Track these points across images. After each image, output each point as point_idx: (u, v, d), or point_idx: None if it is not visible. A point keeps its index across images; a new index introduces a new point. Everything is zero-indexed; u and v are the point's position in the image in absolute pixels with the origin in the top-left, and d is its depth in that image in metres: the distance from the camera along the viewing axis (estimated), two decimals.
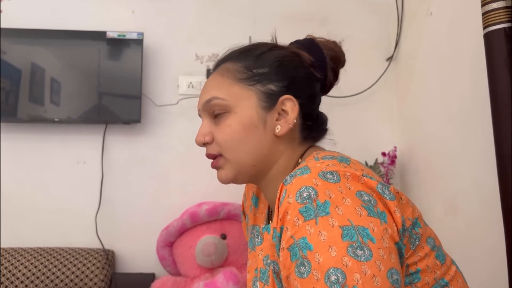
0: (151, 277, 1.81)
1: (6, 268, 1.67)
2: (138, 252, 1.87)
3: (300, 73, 0.77)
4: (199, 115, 0.80)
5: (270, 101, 0.74)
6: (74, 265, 1.71)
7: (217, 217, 1.76)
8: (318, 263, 0.55)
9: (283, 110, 0.75)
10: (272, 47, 0.79)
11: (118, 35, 1.85)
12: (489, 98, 1.04)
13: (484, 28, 1.04)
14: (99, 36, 1.84)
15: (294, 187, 0.61)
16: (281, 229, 0.62)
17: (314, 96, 0.79)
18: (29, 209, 1.85)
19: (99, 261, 1.74)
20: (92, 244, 1.83)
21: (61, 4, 1.94)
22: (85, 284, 1.69)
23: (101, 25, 1.90)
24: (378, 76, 2.00)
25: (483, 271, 1.26)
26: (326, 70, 0.79)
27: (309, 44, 0.80)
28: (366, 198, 0.61)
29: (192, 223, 1.74)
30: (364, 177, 0.63)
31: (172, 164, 1.93)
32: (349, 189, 0.61)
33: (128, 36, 1.85)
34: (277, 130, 0.74)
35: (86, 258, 1.74)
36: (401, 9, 1.95)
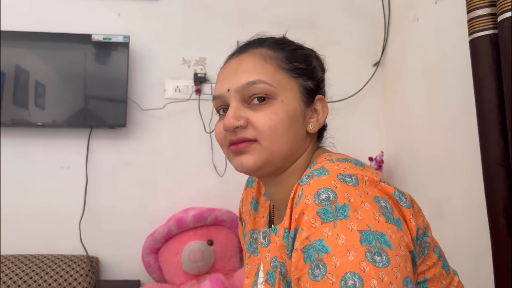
0: (136, 284, 1.78)
1: None
2: (123, 258, 1.84)
3: (323, 76, 0.79)
4: (221, 99, 0.73)
5: (309, 97, 0.74)
6: (57, 273, 1.67)
7: (204, 223, 1.74)
8: (335, 266, 0.54)
9: (315, 109, 0.75)
10: (300, 46, 0.80)
11: (104, 38, 1.82)
12: (475, 104, 1.05)
13: (470, 34, 1.05)
14: (85, 39, 1.81)
15: (312, 188, 0.60)
16: (296, 230, 0.61)
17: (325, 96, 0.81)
18: (12, 215, 1.80)
19: (83, 268, 1.70)
20: (76, 251, 1.79)
21: (46, 6, 1.91)
22: None
23: (87, 28, 1.87)
24: (365, 81, 2.01)
25: (469, 276, 1.26)
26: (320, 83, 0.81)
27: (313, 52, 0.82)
28: (383, 204, 0.60)
29: (179, 229, 1.72)
30: (382, 183, 0.62)
31: (158, 169, 1.91)
32: (367, 194, 0.60)
33: (114, 39, 1.82)
34: (311, 127, 0.74)
35: (69, 265, 1.70)
36: (387, 15, 1.97)
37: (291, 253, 0.62)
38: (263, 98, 0.69)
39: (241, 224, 0.94)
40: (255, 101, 0.70)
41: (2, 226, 1.79)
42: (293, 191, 0.64)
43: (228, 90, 0.71)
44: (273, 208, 0.84)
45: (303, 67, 0.75)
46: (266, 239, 0.74)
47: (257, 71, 0.71)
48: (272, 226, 0.82)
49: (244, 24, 1.99)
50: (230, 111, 0.70)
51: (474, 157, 1.12)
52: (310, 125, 0.74)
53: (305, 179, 0.63)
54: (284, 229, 0.65)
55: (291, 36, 0.81)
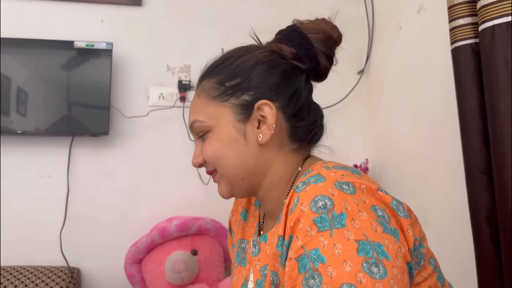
0: None
1: None
2: (105, 269, 1.80)
3: (276, 74, 0.72)
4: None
5: (246, 112, 0.72)
6: (36, 285, 1.62)
7: (188, 232, 1.72)
8: (331, 277, 0.53)
9: (262, 116, 0.71)
10: (245, 52, 0.75)
11: (86, 45, 1.79)
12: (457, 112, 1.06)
13: (452, 43, 1.06)
14: (67, 45, 1.79)
15: (309, 195, 0.59)
16: (290, 238, 0.59)
17: (298, 92, 0.74)
18: None
19: (63, 280, 1.66)
20: (56, 262, 1.75)
21: (29, 12, 1.88)
22: None
23: (69, 34, 1.84)
24: (349, 89, 2.02)
25: (453, 283, 1.26)
26: (316, 56, 0.74)
27: (291, 32, 0.75)
28: (380, 213, 0.59)
29: (162, 239, 1.69)
30: (379, 191, 0.61)
31: (141, 177, 1.88)
32: (365, 202, 0.59)
33: (96, 46, 1.80)
34: (260, 139, 0.71)
35: (49, 277, 1.65)
36: (371, 23, 1.99)
37: (285, 262, 0.60)
38: (204, 134, 0.75)
39: (230, 235, 0.93)
40: (202, 137, 0.75)
41: None
42: (288, 198, 0.62)
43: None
44: (263, 217, 0.82)
45: (237, 82, 0.72)
46: (256, 247, 0.73)
47: (194, 111, 0.76)
48: (261, 234, 0.81)
49: (228, 31, 1.99)
50: (194, 151, 0.78)
51: (457, 164, 1.12)
52: (258, 137, 0.71)
53: (301, 186, 0.61)
54: (278, 236, 0.64)
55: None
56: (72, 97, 1.80)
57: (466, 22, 1.03)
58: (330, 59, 0.77)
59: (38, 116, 1.76)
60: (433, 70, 1.48)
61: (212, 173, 0.77)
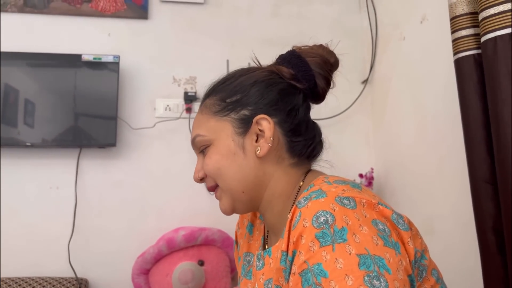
0: None
1: None
2: (113, 280, 1.81)
3: (274, 91, 0.76)
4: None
5: (245, 125, 0.74)
6: None
7: (195, 243, 1.72)
8: None
9: (260, 131, 0.74)
10: (245, 72, 0.79)
11: (94, 58, 1.82)
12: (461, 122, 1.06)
13: (454, 54, 1.07)
14: (74, 59, 1.82)
15: (310, 210, 0.60)
16: (294, 253, 0.61)
17: (295, 109, 0.77)
18: None
19: None
20: (64, 273, 1.76)
21: (37, 26, 1.91)
22: None
23: (77, 48, 1.88)
24: (353, 99, 2.03)
25: None
26: (314, 78, 0.78)
27: (290, 56, 0.79)
28: (381, 227, 0.60)
29: (169, 250, 1.70)
30: (380, 205, 0.62)
31: (148, 188, 1.90)
32: (365, 217, 0.60)
33: (104, 59, 1.83)
34: (258, 152, 0.73)
35: None
36: (375, 33, 2.00)
37: (289, 277, 0.61)
38: (205, 148, 0.77)
39: (236, 247, 0.94)
40: (203, 151, 0.78)
41: None
42: (290, 213, 0.63)
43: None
44: (267, 231, 0.84)
45: (237, 98, 0.76)
46: (261, 261, 0.74)
47: (195, 126, 0.79)
48: (266, 247, 0.82)
49: (234, 43, 2.01)
50: (196, 166, 0.79)
51: (462, 173, 1.13)
52: (257, 150, 0.74)
53: (303, 201, 0.62)
54: (281, 252, 0.65)
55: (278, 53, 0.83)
56: (79, 109, 1.82)
57: (468, 33, 1.04)
58: (327, 82, 0.80)
59: (46, 128, 1.79)
60: (436, 80, 1.49)
61: (213, 189, 0.78)
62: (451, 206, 1.41)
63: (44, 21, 1.92)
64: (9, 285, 1.64)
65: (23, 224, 1.80)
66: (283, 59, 0.80)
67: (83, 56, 1.82)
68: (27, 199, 1.82)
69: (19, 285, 1.65)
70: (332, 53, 0.81)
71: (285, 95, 0.76)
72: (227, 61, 1.97)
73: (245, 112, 0.75)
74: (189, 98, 1.93)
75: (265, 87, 0.76)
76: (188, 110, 1.93)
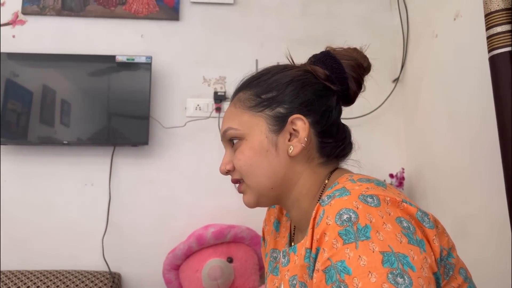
0: None
1: None
2: (145, 275, 1.86)
3: (310, 91, 0.76)
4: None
5: (280, 123, 0.75)
6: None
7: (224, 240, 1.75)
8: None
9: (294, 130, 0.74)
10: (281, 70, 0.79)
11: (127, 59, 1.88)
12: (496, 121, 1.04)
13: (489, 51, 1.05)
14: (109, 60, 1.88)
15: (334, 208, 0.60)
16: (317, 250, 0.61)
17: (329, 111, 0.77)
18: (36, 231, 1.85)
19: (105, 284, 1.73)
20: (98, 267, 1.82)
21: (72, 29, 1.99)
22: None
23: (111, 49, 1.94)
24: (384, 97, 2.01)
25: None
26: (347, 81, 0.78)
27: (325, 57, 0.79)
28: (405, 224, 0.60)
29: (199, 246, 1.73)
30: (404, 203, 0.62)
31: (179, 186, 1.94)
32: (389, 214, 0.60)
33: (137, 60, 1.88)
34: (290, 151, 0.74)
35: (92, 281, 1.72)
36: (406, 31, 1.97)
37: (313, 274, 0.62)
38: (236, 142, 0.77)
39: (264, 244, 0.95)
40: (234, 145, 0.78)
41: (28, 242, 1.84)
42: (314, 211, 0.64)
43: (222, 141, 0.82)
44: (294, 228, 0.84)
45: (273, 95, 0.76)
46: (286, 258, 0.75)
47: (228, 119, 0.79)
48: (292, 244, 0.83)
49: (263, 42, 2.02)
50: (224, 158, 0.80)
51: (497, 174, 1.10)
52: (289, 149, 0.74)
53: (326, 199, 0.63)
54: (305, 249, 0.65)
55: (310, 55, 0.83)
56: (113, 109, 1.88)
57: (504, 30, 1.01)
58: (359, 85, 0.81)
59: (81, 127, 1.85)
60: (470, 78, 1.46)
61: (237, 181, 0.79)
62: (485, 208, 1.37)
63: (80, 23, 2.00)
64: (47, 277, 1.71)
65: (60, 219, 1.87)
66: (317, 59, 0.80)
67: (117, 57, 1.88)
68: (64, 195, 1.89)
69: (56, 277, 1.72)
70: (365, 57, 0.81)
71: (320, 96, 0.77)
72: (256, 61, 1.99)
73: (280, 110, 0.75)
74: (218, 98, 1.96)
75: (301, 86, 0.76)
76: (218, 109, 1.96)
